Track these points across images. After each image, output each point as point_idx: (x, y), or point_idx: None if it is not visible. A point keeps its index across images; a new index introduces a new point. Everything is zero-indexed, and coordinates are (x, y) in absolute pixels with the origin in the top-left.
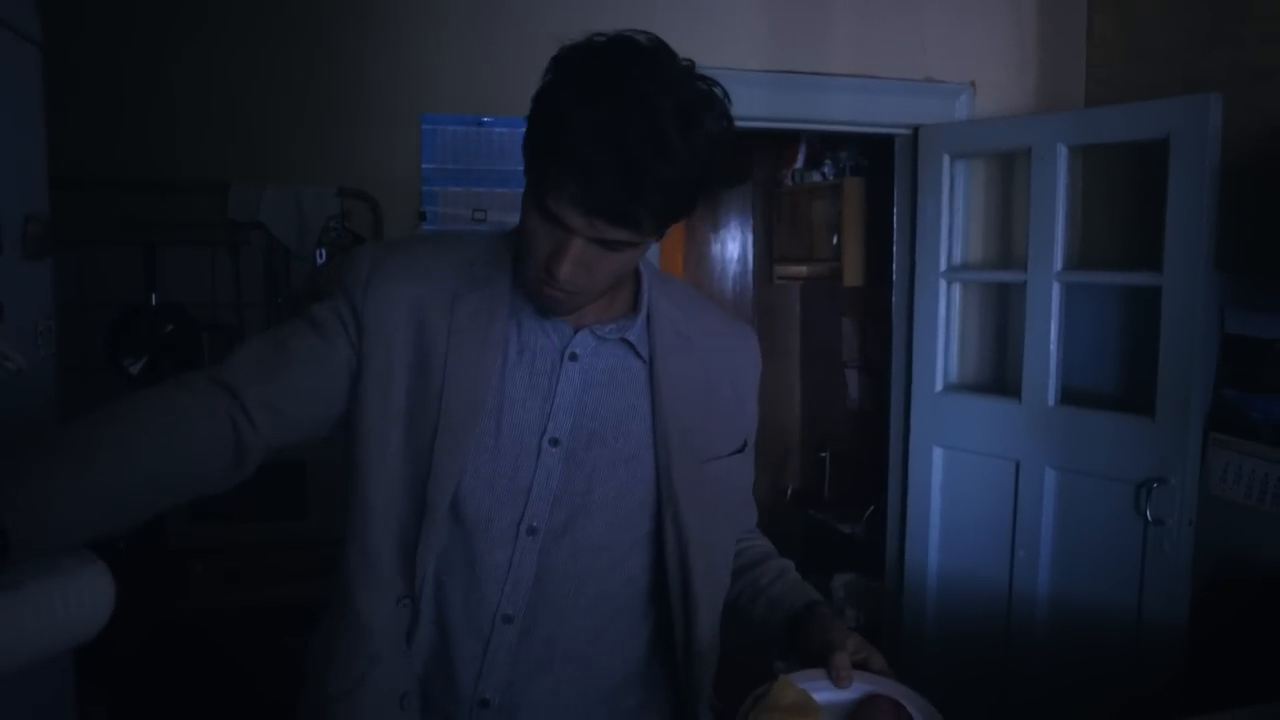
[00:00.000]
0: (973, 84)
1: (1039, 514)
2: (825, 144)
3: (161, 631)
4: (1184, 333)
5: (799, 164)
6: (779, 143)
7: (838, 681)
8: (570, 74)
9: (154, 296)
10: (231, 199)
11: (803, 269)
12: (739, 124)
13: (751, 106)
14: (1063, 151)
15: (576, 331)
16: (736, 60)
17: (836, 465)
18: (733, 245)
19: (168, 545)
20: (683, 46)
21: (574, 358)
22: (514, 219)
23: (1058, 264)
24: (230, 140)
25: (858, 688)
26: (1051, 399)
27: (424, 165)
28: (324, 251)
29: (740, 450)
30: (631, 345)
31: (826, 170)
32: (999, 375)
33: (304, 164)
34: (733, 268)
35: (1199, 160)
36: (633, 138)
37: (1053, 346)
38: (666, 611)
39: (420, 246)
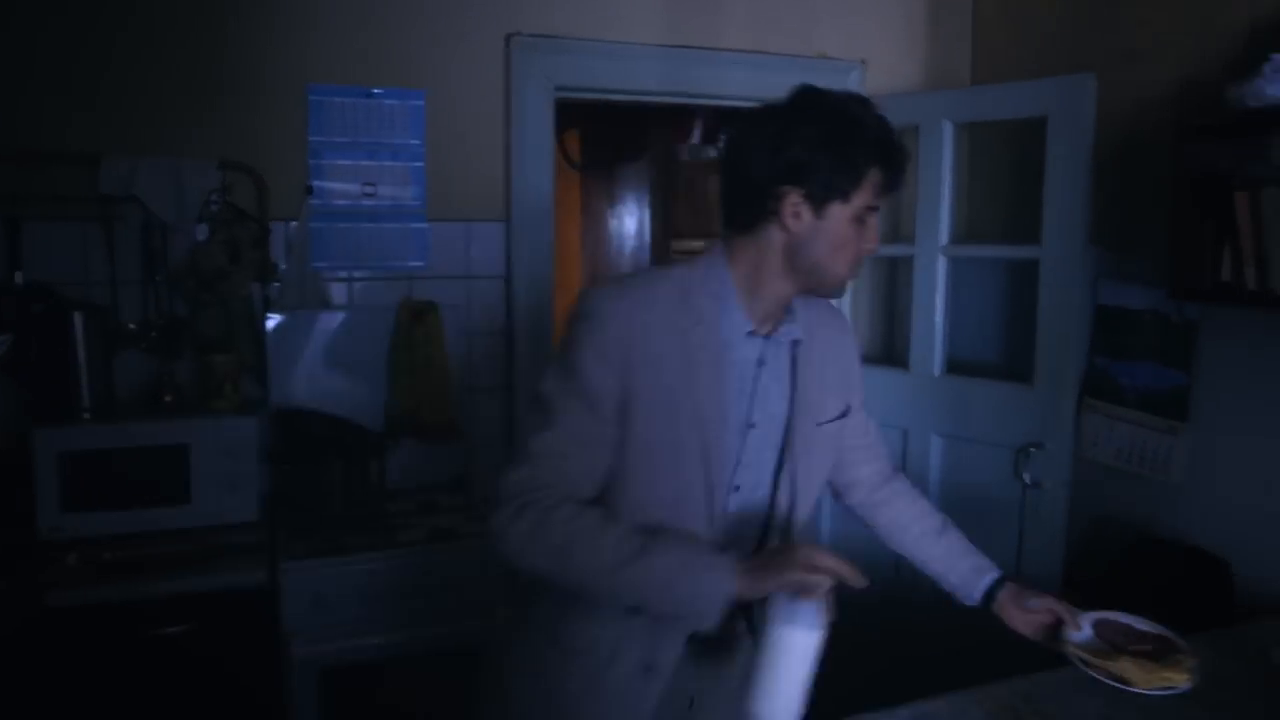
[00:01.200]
0: (863, 61)
1: (926, 480)
2: (722, 119)
3: (29, 627)
4: (1060, 304)
5: (694, 139)
6: (675, 117)
7: (1075, 626)
8: (842, 117)
9: (18, 275)
10: (104, 172)
11: (700, 244)
12: (631, 97)
13: (644, 80)
14: (949, 128)
15: (766, 339)
16: (630, 34)
17: None
18: (630, 220)
19: (36, 536)
20: (578, 22)
21: (762, 363)
22: (405, 192)
23: (944, 238)
24: (101, 110)
25: (1084, 622)
26: (938, 369)
27: (311, 138)
28: (206, 226)
29: (844, 414)
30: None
31: (722, 145)
32: (888, 347)
33: (183, 136)
34: (630, 243)
35: (1075, 138)
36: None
37: (939, 318)
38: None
39: (641, 284)
